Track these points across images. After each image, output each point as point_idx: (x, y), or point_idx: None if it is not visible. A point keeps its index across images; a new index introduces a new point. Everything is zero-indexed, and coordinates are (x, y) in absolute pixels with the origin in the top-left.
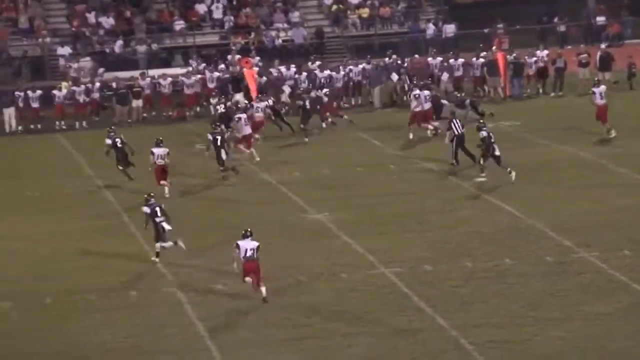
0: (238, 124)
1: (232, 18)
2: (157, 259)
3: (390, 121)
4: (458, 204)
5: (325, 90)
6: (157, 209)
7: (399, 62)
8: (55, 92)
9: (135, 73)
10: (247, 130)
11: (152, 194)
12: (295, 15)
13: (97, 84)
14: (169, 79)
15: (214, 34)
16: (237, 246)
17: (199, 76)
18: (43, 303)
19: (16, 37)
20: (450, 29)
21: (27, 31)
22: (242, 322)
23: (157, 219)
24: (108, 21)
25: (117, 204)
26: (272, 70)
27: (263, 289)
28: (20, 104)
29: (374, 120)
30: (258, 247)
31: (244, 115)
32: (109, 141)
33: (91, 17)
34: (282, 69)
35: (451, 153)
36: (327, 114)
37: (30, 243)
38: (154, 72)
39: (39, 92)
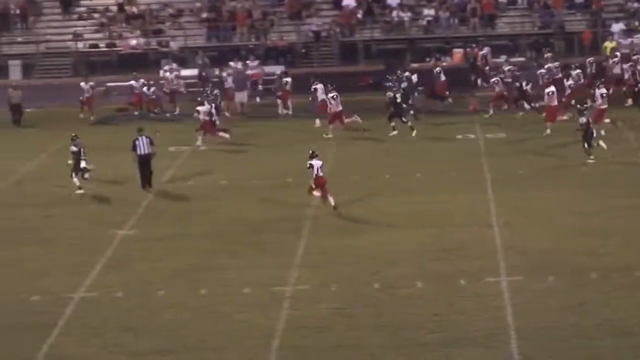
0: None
1: None
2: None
3: None
4: None
5: None
6: (82, 149)
7: None
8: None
9: None
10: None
11: (76, 135)
12: None
13: None
14: None
15: None
16: (311, 165)
17: None
18: (589, 278)
19: (570, 12)
20: None
21: (582, 6)
22: None
23: (82, 157)
24: None
25: None
26: None
27: (331, 199)
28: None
29: None
30: (322, 165)
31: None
32: None
33: None
34: None
35: None
36: None
37: (579, 218)
38: None
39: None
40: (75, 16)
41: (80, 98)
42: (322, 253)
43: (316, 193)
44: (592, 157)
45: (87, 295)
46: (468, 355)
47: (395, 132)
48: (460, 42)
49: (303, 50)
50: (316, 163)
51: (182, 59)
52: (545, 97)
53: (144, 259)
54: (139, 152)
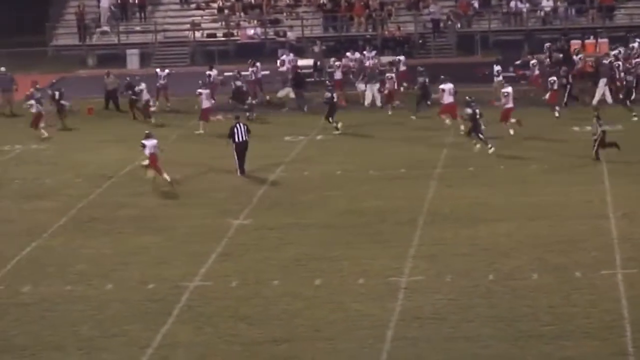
0: None
1: None
2: None
3: None
4: None
5: None
6: None
7: None
8: None
9: None
10: None
11: None
12: None
13: None
14: None
15: None
16: (144, 145)
17: None
18: None
19: None
20: None
21: None
22: None
23: None
24: None
25: None
26: None
27: (166, 175)
28: None
29: None
30: (156, 144)
31: None
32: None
33: None
34: None
35: None
36: None
37: None
38: None
39: None
40: (193, 5)
41: (157, 85)
42: (437, 244)
43: (150, 173)
44: (478, 145)
45: (202, 284)
46: (582, 347)
47: (338, 132)
48: (578, 33)
49: (420, 41)
50: (149, 143)
51: (299, 48)
52: (502, 98)
53: (259, 248)
54: (236, 140)
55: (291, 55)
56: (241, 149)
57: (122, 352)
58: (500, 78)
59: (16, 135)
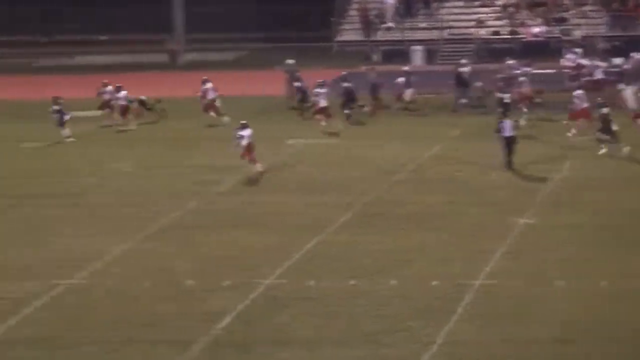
0: None
1: None
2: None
3: None
4: None
5: None
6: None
7: None
8: None
9: None
10: None
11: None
12: None
13: None
14: None
15: None
16: (241, 136)
17: None
18: None
19: None
20: None
21: None
22: None
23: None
24: None
25: None
26: None
27: (258, 165)
28: None
29: None
30: (251, 134)
31: None
32: None
33: None
34: None
35: None
36: None
37: None
38: None
39: None
40: (477, 3)
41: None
42: None
43: (247, 158)
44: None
45: (487, 283)
46: None
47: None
48: None
49: None
50: (246, 133)
51: (584, 47)
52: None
53: (545, 247)
54: (504, 134)
55: (576, 54)
56: (509, 143)
57: (405, 348)
58: None
59: (303, 129)
